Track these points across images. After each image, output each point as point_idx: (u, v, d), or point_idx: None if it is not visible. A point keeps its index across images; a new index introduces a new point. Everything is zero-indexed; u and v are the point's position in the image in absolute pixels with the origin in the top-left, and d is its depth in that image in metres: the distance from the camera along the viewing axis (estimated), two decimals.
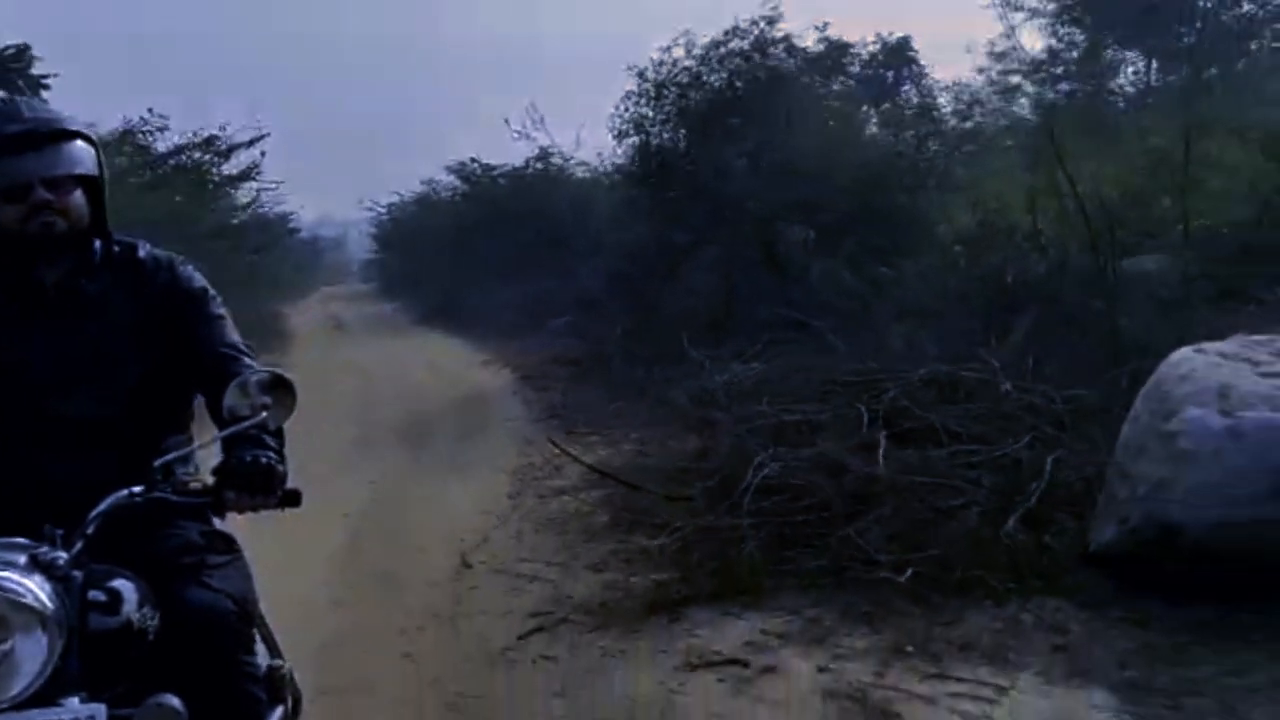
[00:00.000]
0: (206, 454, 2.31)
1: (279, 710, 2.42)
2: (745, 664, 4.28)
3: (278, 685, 2.48)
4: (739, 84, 12.54)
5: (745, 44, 12.65)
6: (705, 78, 12.74)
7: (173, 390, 2.45)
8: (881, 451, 5.71)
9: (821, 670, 4.18)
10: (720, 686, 4.13)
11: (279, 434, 2.28)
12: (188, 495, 2.19)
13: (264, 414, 2.18)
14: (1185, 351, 4.99)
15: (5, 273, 2.35)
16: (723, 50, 12.64)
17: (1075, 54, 22.63)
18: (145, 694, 2.01)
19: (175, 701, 2.01)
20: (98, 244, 2.43)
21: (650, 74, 12.96)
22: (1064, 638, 4.31)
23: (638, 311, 12.60)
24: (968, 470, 5.88)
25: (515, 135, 18.75)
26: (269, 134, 19.12)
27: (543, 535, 6.21)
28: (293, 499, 2.22)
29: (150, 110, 17.59)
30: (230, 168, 18.88)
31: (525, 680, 4.32)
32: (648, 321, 12.17)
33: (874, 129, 14.14)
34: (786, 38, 13.68)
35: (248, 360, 2.39)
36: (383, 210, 33.87)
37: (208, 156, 17.57)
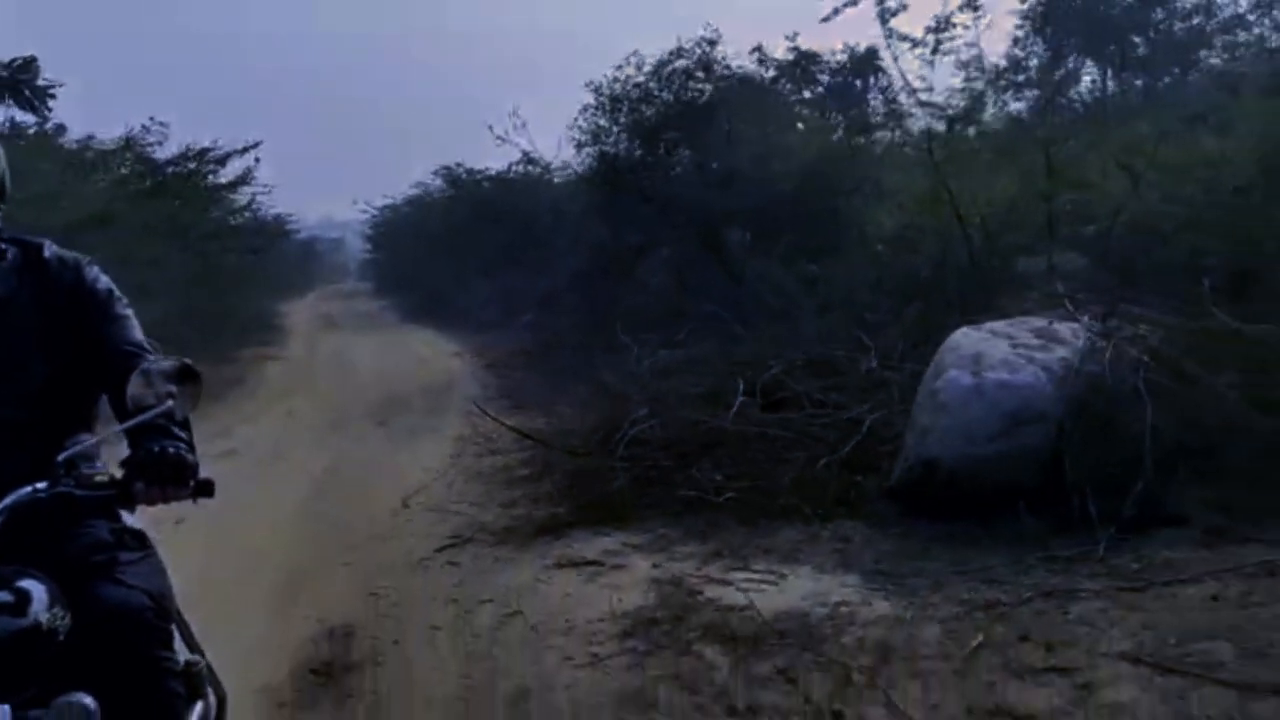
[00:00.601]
0: (115, 451, 2.30)
1: (198, 706, 2.38)
2: (601, 564, 5.67)
3: (196, 681, 2.42)
4: (685, 99, 13.89)
5: (689, 62, 13.98)
6: (655, 93, 14.10)
7: (78, 391, 2.44)
8: (733, 411, 7.11)
9: (655, 567, 5.56)
10: (577, 578, 5.52)
11: (186, 424, 2.26)
12: (94, 489, 2.14)
13: (170, 403, 2.13)
14: (965, 329, 6.37)
15: None
16: (669, 69, 13.99)
17: (1036, 63, 23.81)
18: (56, 696, 1.98)
19: (87, 700, 1.98)
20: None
21: (605, 89, 14.31)
22: (845, 545, 5.69)
23: (594, 306, 13.94)
24: (822, 429, 7.26)
25: (498, 141, 19.95)
26: (261, 142, 20.58)
27: (471, 484, 7.63)
28: (205, 489, 2.17)
29: (151, 119, 18.94)
30: (227, 174, 20.25)
31: (433, 578, 5.72)
32: (603, 314, 13.48)
33: (810, 136, 15.32)
34: (758, 47, 15.00)
35: (151, 358, 2.35)
36: (376, 212, 35.27)
37: (203, 167, 18.85)
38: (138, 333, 2.46)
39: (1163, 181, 9.98)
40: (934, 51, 13.22)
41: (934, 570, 5.21)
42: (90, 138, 18.12)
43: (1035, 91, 23.39)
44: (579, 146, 14.89)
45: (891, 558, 5.44)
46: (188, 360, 2.19)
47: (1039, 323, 6.34)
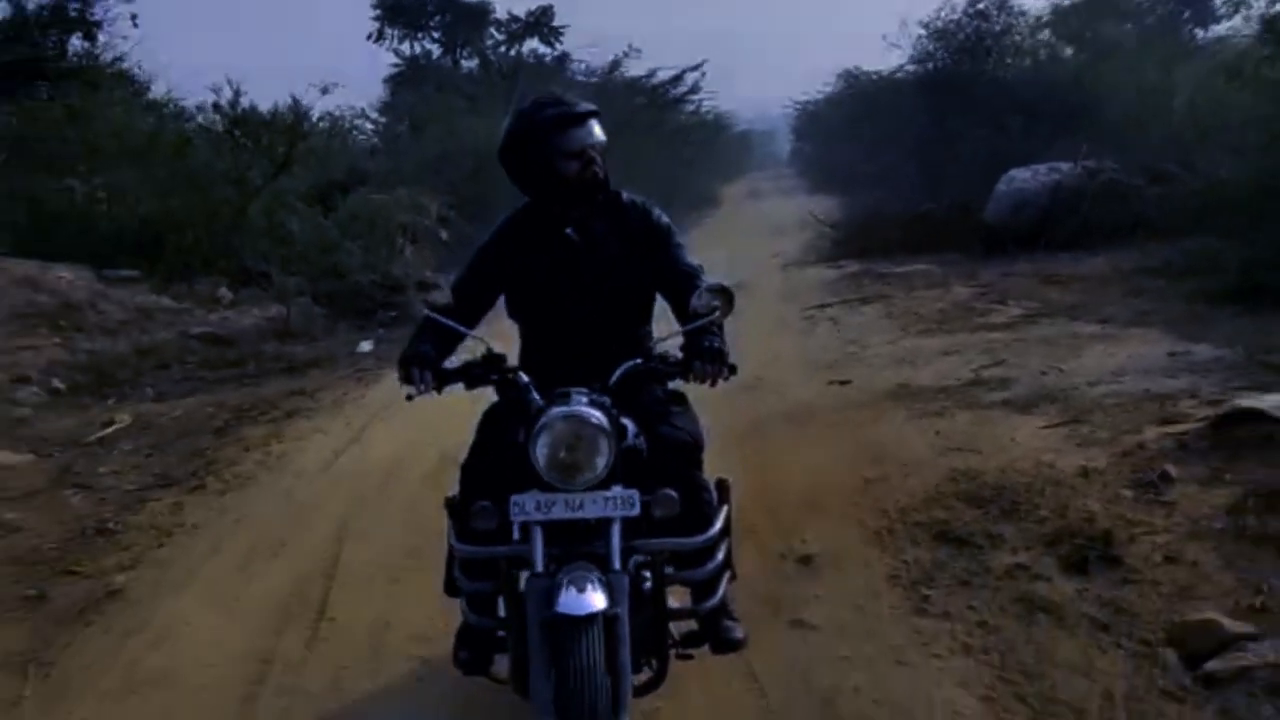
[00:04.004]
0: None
1: (725, 508, 3.51)
2: (843, 268, 14.29)
3: (725, 492, 3.57)
4: (982, 29, 21.45)
5: (987, 4, 21.48)
6: (964, 25, 21.67)
7: (643, 298, 3.64)
8: (922, 209, 15.33)
9: (861, 265, 14.07)
10: (829, 270, 14.24)
11: (721, 328, 3.32)
12: (669, 365, 3.30)
13: (716, 313, 3.22)
14: (1014, 169, 14.19)
15: (541, 216, 3.58)
16: (973, 9, 21.54)
17: None
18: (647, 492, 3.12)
19: (673, 493, 3.16)
20: (601, 195, 3.53)
21: (930, 24, 22.07)
22: (946, 257, 13.89)
23: (921, 172, 21.85)
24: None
25: (889, 46, 27.06)
26: (706, 60, 29.75)
27: (801, 251, 16.51)
28: (733, 370, 3.27)
29: (630, 45, 28.41)
30: (682, 86, 29.66)
31: (775, 274, 14.71)
32: (924, 176, 21.41)
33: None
34: None
35: (700, 278, 3.44)
36: (798, 107, 44.02)
37: (669, 86, 28.24)
38: (690, 258, 3.61)
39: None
40: None
41: (970, 259, 13.34)
42: (589, 67, 27.31)
43: None
44: (914, 64, 22.80)
45: (962, 260, 13.63)
46: (726, 283, 3.28)
47: (1053, 164, 14.03)
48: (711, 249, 17.70)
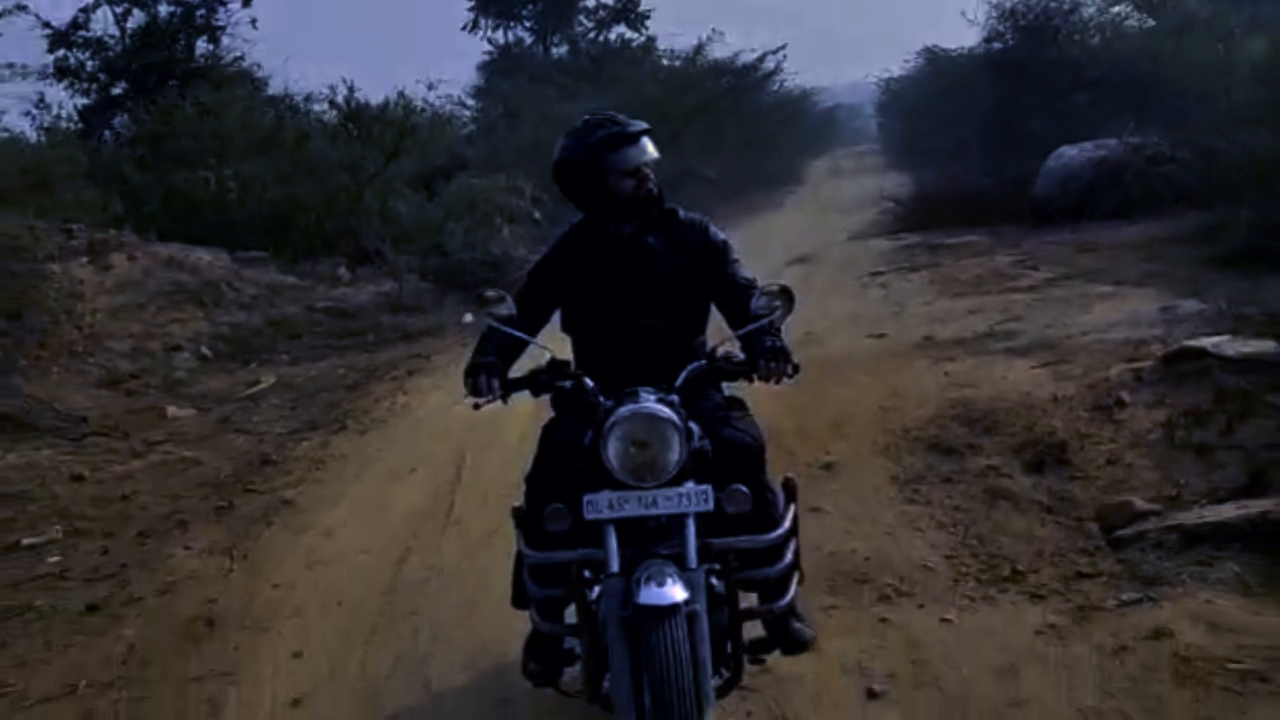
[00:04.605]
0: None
1: (793, 507, 3.54)
2: (900, 239, 15.54)
3: (791, 491, 3.59)
4: (1052, 7, 22.29)
5: None
6: (1032, 7, 22.52)
7: (699, 309, 3.71)
8: (983, 180, 16.45)
9: (920, 237, 15.29)
10: (886, 241, 15.54)
11: (779, 332, 3.37)
12: (733, 365, 3.39)
13: (778, 313, 3.29)
14: (1064, 146, 15.26)
15: (597, 231, 3.67)
16: None
17: None
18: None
19: (743, 488, 3.22)
20: (656, 210, 3.65)
21: (1000, 5, 22.93)
22: (999, 229, 15.01)
23: (987, 148, 22.79)
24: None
25: (969, 22, 27.77)
26: (786, 44, 30.69)
27: (868, 225, 17.74)
28: (796, 370, 3.31)
29: (713, 29, 29.49)
30: (765, 68, 30.73)
31: (840, 246, 15.92)
32: (989, 154, 22.36)
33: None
34: None
35: (754, 289, 3.47)
36: (882, 83, 44.51)
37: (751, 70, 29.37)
38: (746, 272, 3.67)
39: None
40: None
41: (1018, 230, 14.46)
42: (674, 51, 28.53)
43: None
44: (984, 42, 23.71)
45: (1011, 232, 14.70)
46: (787, 284, 3.40)
47: (1100, 140, 15.06)
48: (787, 227, 19.11)
